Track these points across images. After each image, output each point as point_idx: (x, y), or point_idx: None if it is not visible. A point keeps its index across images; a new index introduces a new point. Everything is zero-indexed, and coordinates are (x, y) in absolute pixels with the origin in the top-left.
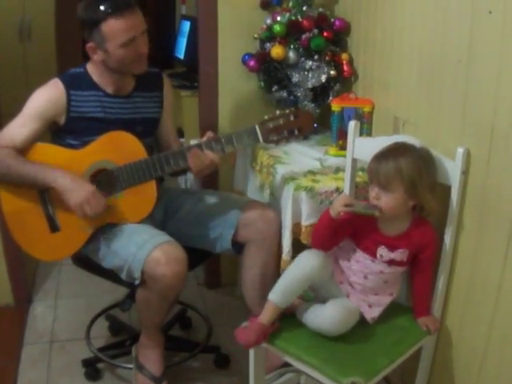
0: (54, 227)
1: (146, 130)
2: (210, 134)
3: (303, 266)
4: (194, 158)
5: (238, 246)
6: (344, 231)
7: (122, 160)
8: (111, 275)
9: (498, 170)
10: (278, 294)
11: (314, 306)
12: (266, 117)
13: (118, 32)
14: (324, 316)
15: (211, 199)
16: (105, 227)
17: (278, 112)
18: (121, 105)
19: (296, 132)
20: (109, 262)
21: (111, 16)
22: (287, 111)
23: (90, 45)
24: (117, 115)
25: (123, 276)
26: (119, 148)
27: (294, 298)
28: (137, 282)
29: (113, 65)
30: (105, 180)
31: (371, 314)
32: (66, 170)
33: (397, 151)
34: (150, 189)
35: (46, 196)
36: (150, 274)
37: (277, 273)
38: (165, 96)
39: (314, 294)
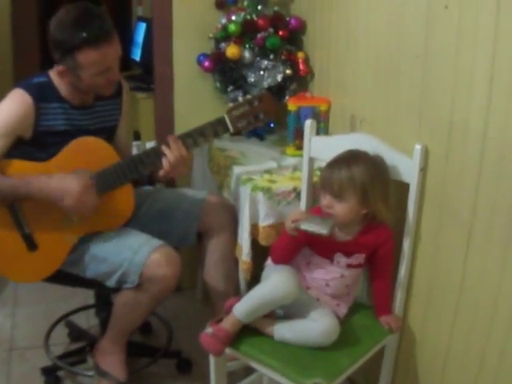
0: (31, 246)
1: (109, 138)
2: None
3: (276, 295)
4: (171, 146)
5: (198, 237)
6: (302, 242)
7: (93, 167)
8: (85, 283)
9: (457, 166)
10: (244, 313)
11: (293, 322)
12: (230, 104)
13: (94, 63)
14: (317, 331)
15: (169, 195)
16: (84, 237)
17: (240, 99)
18: (85, 116)
19: (261, 116)
20: (93, 271)
21: (88, 46)
22: (250, 97)
23: (60, 68)
24: (82, 127)
25: (111, 282)
26: (89, 155)
27: (259, 316)
28: (129, 285)
29: (82, 87)
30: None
31: (341, 311)
32: (47, 176)
33: (349, 159)
34: (127, 192)
35: (19, 214)
36: (148, 277)
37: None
38: (123, 101)
39: (282, 311)
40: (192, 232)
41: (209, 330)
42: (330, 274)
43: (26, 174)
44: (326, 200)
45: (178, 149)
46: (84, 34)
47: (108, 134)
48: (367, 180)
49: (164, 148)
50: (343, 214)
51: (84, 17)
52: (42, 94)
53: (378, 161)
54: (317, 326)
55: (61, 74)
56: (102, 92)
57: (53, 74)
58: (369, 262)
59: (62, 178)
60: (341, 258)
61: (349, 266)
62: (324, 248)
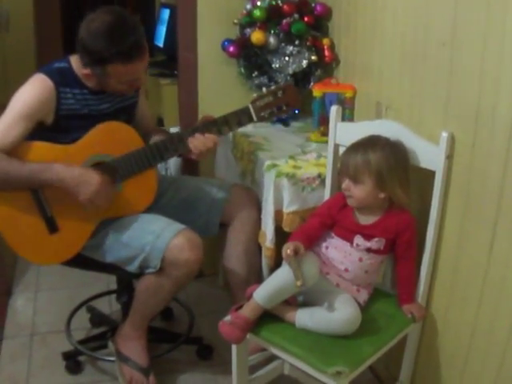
0: (52, 228)
1: (130, 116)
2: (205, 117)
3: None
4: (196, 143)
5: (220, 226)
6: (324, 225)
7: (118, 151)
8: (106, 268)
9: (484, 154)
10: (264, 297)
11: (315, 311)
12: (254, 95)
13: (123, 74)
14: (339, 320)
15: (193, 185)
16: (103, 221)
17: (264, 89)
18: (105, 99)
19: (284, 107)
20: (114, 255)
21: (120, 61)
22: (274, 88)
23: (86, 71)
24: (103, 110)
25: (133, 266)
26: (114, 139)
27: (279, 301)
28: (151, 270)
29: (106, 88)
30: (103, 174)
31: (362, 297)
32: (68, 164)
33: (367, 144)
34: (150, 177)
35: (40, 196)
36: (171, 261)
37: (258, 249)
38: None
39: (301, 297)
40: (215, 223)
41: (227, 318)
42: (348, 258)
43: (49, 157)
44: (344, 183)
45: (205, 139)
46: (118, 49)
47: (128, 112)
48: (383, 164)
49: (191, 139)
50: (360, 197)
51: (119, 29)
52: (63, 79)
53: (397, 146)
54: (338, 315)
55: (86, 77)
56: (124, 94)
57: (73, 60)
58: (392, 250)
59: (84, 170)
60: (360, 241)
61: (368, 250)
62: (345, 229)
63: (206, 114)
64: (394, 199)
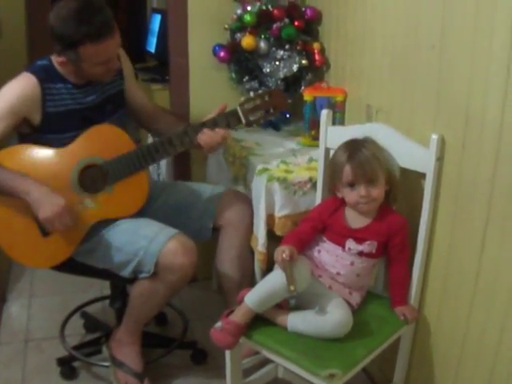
0: (45, 230)
1: (116, 105)
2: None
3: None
4: (205, 138)
5: (213, 231)
6: (315, 230)
7: (109, 153)
8: (99, 273)
9: (473, 157)
10: (256, 302)
11: (306, 314)
12: (242, 99)
13: (96, 55)
14: (330, 323)
15: (186, 189)
16: (96, 226)
17: (251, 94)
18: (89, 92)
19: (271, 110)
20: (107, 261)
21: (91, 41)
22: (260, 92)
23: (60, 59)
24: (87, 104)
25: (126, 271)
26: (105, 142)
27: (271, 305)
28: (145, 275)
29: (83, 75)
30: (94, 176)
31: (354, 300)
32: (41, 182)
33: (357, 145)
34: (142, 179)
35: None
36: (165, 265)
37: (251, 253)
38: (123, 66)
39: (294, 301)
40: (207, 228)
41: (218, 324)
42: (340, 262)
43: (40, 159)
44: (362, 191)
45: (215, 134)
46: (87, 30)
47: (114, 100)
48: (383, 156)
49: (200, 135)
50: (379, 196)
51: (86, 11)
52: (47, 76)
53: (372, 139)
54: (330, 318)
55: (61, 65)
56: (102, 79)
57: (54, 58)
58: (384, 253)
59: (52, 191)
60: (352, 245)
61: (360, 253)
62: (336, 234)
63: (197, 118)
64: (396, 186)
